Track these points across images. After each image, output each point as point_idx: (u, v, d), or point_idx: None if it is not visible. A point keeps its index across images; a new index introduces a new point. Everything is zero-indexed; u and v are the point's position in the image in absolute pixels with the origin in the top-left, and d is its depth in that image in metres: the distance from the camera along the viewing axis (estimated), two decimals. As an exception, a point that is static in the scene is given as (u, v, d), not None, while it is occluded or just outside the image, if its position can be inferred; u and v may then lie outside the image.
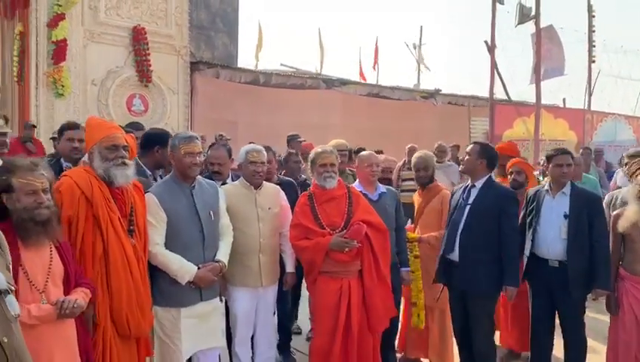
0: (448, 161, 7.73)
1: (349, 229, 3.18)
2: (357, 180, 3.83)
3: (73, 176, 2.62)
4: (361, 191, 3.56)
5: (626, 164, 4.20)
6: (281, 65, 15.60)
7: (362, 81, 17.22)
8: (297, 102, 12.47)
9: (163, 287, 3.00)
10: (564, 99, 14.53)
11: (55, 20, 9.05)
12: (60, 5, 9.04)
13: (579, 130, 12.32)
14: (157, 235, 2.93)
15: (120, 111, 10.07)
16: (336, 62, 42.22)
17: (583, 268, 3.41)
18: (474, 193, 3.51)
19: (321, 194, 3.32)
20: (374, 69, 21.63)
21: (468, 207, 3.48)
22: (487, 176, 3.54)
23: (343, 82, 14.34)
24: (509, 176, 4.36)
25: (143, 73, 10.19)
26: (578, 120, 12.54)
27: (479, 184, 3.51)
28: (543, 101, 12.69)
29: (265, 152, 3.58)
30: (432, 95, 15.35)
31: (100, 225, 2.55)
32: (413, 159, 4.21)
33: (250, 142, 4.32)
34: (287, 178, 4.40)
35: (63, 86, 9.16)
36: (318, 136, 7.27)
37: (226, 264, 3.16)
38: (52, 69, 9.10)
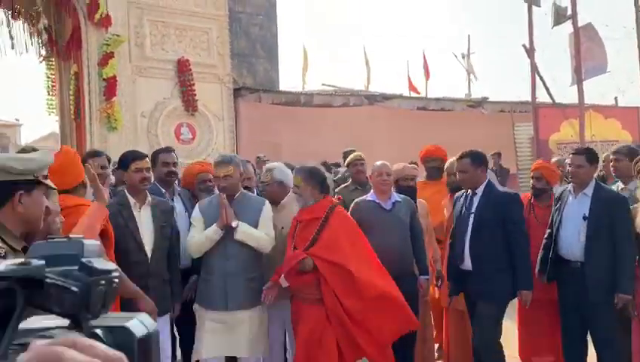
0: (491, 168, 7.67)
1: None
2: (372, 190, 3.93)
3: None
4: (373, 201, 3.65)
5: (613, 161, 4.04)
6: (323, 85, 15.91)
7: (405, 95, 17.22)
8: (340, 121, 12.64)
9: (199, 285, 3.42)
10: (615, 98, 13.97)
11: (105, 59, 9.67)
12: (109, 45, 9.65)
13: (633, 129, 11.80)
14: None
15: (169, 140, 10.56)
16: (383, 78, 42.30)
17: (602, 270, 3.33)
18: (475, 201, 3.52)
19: (300, 214, 3.39)
20: (426, 80, 21.42)
21: (472, 216, 3.49)
22: (487, 181, 3.55)
23: (386, 97, 14.43)
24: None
25: (189, 103, 10.68)
26: (631, 119, 12.02)
27: (480, 191, 3.52)
28: (594, 101, 12.25)
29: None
30: (478, 104, 15.17)
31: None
32: (446, 165, 4.32)
33: (280, 162, 4.48)
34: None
35: (115, 120, 9.74)
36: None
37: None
38: (104, 105, 9.70)
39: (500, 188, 3.77)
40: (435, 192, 4.49)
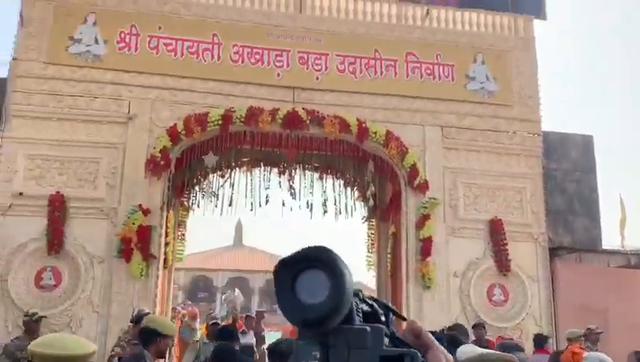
0: None
1: None
2: None
3: None
4: None
5: None
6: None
7: None
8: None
9: None
10: None
11: (422, 221, 10.23)
12: (426, 207, 10.24)
13: None
14: None
15: (480, 301, 10.27)
16: None
17: None
18: None
19: None
20: None
21: None
22: None
23: None
24: None
25: (502, 263, 10.35)
26: None
27: None
28: None
29: None
30: None
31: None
32: None
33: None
34: None
35: (429, 279, 9.97)
36: None
37: None
38: (420, 264, 10.08)
39: None
40: None
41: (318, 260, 0.71)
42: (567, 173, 11.48)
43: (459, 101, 11.01)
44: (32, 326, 6.68)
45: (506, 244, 10.40)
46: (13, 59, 9.72)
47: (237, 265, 42.89)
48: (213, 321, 10.44)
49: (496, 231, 10.45)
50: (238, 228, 49.58)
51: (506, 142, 11.02)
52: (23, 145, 9.42)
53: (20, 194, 9.15)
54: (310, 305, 0.70)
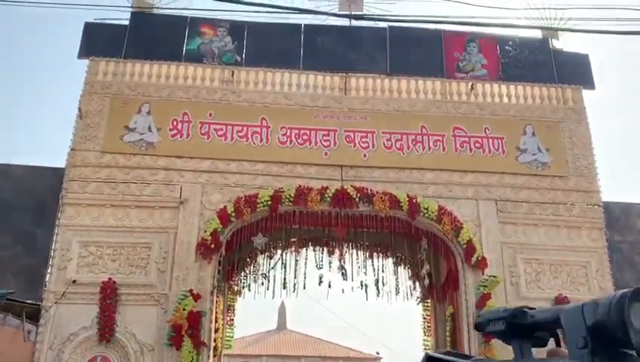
0: None
1: None
2: None
3: None
4: None
5: None
6: None
7: None
8: None
9: None
10: None
11: (482, 300, 9.67)
12: (486, 286, 9.72)
13: None
14: None
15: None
16: None
17: None
18: None
19: None
20: None
21: None
22: None
23: None
24: None
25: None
26: None
27: None
28: None
29: None
30: None
31: None
32: None
33: None
34: None
35: None
36: None
37: None
38: (483, 347, 9.42)
39: None
40: None
41: None
42: (634, 244, 10.83)
43: (512, 174, 10.72)
44: None
45: (576, 324, 9.65)
46: (72, 149, 10.08)
47: (281, 350, 41.70)
48: None
49: (563, 310, 9.76)
50: (282, 312, 48.69)
51: (565, 215, 10.55)
52: (77, 233, 9.55)
53: (74, 282, 9.16)
54: None
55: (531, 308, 1.23)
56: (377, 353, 42.52)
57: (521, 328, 1.20)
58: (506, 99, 11.40)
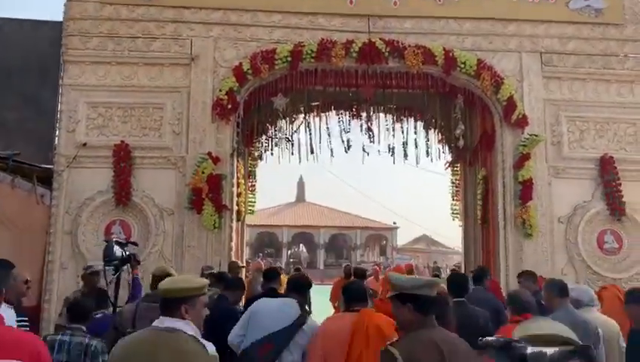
0: None
1: None
2: None
3: None
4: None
5: None
6: None
7: None
8: None
9: None
10: None
11: (521, 161, 9.00)
12: (526, 145, 8.99)
13: None
14: None
15: (590, 249, 9.03)
16: None
17: None
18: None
19: None
20: None
21: None
22: None
23: None
24: None
25: (615, 206, 9.01)
26: None
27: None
28: None
29: None
30: None
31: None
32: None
33: None
34: None
35: (530, 226, 8.81)
36: None
37: None
38: (519, 209, 8.92)
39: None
40: None
41: None
42: (690, 100, 9.84)
43: (561, 22, 9.52)
44: (87, 279, 6.38)
45: (620, 185, 9.03)
46: (68, 0, 9.04)
47: (301, 221, 42.71)
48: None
49: (607, 171, 9.09)
50: (300, 185, 49.33)
51: (617, 68, 9.49)
52: (83, 93, 8.82)
53: (84, 145, 8.60)
54: None
55: None
56: (394, 223, 43.47)
57: None
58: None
